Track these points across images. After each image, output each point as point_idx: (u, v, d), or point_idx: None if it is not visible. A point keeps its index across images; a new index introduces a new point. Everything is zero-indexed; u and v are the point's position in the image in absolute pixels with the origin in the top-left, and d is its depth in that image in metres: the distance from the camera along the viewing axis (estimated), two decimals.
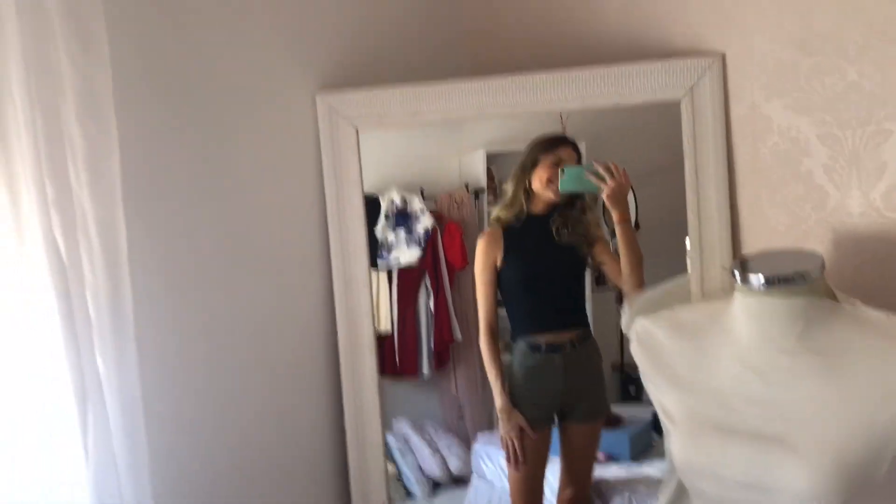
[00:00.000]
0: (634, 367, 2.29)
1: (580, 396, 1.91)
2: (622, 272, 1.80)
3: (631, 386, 2.31)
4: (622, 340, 2.25)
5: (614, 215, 1.72)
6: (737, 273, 1.23)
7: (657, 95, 1.58)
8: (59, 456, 1.27)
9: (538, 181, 1.83)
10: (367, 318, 1.71)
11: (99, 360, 1.25)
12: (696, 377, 1.28)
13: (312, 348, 1.74)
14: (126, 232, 1.29)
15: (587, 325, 1.96)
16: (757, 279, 1.19)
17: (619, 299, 2.19)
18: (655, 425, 2.20)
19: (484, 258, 1.89)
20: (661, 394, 1.34)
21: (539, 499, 1.94)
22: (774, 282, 1.18)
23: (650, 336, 1.38)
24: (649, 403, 2.30)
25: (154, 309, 1.45)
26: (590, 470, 1.97)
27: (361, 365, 1.71)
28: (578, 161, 1.83)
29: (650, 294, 1.59)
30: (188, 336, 1.53)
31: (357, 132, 1.69)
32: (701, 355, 1.29)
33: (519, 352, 1.91)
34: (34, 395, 1.23)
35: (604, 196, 1.72)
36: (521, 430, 1.84)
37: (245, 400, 1.62)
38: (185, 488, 1.51)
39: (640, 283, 1.75)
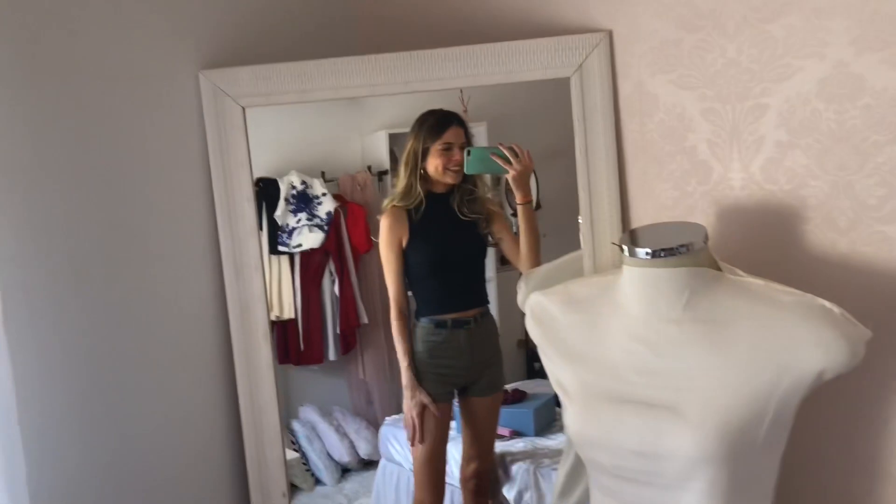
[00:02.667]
0: None
1: (482, 371, 1.95)
2: (521, 251, 1.83)
3: (535, 363, 2.36)
4: None
5: (517, 196, 1.75)
6: (624, 246, 1.25)
7: (547, 73, 1.59)
8: None
9: (434, 169, 1.84)
10: (261, 305, 1.66)
11: None
12: (589, 350, 1.30)
13: (203, 338, 1.69)
14: None
15: (487, 302, 1.99)
16: (643, 251, 1.22)
17: None
18: (558, 400, 2.26)
19: (389, 238, 1.89)
20: (555, 367, 1.36)
21: (441, 473, 1.97)
22: (659, 253, 1.21)
23: (544, 310, 1.39)
24: None
25: (27, 298, 1.38)
26: (492, 443, 2.01)
27: (256, 354, 1.67)
28: (466, 135, 1.85)
29: (544, 269, 1.62)
30: (65, 328, 1.47)
31: (244, 111, 1.64)
32: (593, 328, 1.31)
33: (423, 328, 1.93)
34: None
35: (509, 178, 1.74)
36: (424, 407, 1.86)
37: (131, 393, 1.57)
38: (65, 485, 1.45)
39: (537, 264, 1.79)
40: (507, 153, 1.70)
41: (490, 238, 1.93)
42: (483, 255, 1.97)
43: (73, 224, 1.48)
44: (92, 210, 1.51)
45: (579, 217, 1.65)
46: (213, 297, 1.70)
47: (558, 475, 1.69)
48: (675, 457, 1.15)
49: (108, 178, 1.54)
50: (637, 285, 1.25)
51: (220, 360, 1.71)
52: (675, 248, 1.21)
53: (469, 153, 1.75)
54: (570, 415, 1.29)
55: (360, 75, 1.62)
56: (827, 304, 1.15)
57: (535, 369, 2.39)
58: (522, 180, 1.73)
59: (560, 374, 1.34)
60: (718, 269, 1.25)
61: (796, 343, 1.13)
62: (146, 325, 1.59)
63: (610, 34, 1.57)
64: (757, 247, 1.42)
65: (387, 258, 1.89)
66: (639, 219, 1.59)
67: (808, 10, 1.32)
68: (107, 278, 1.53)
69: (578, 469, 1.60)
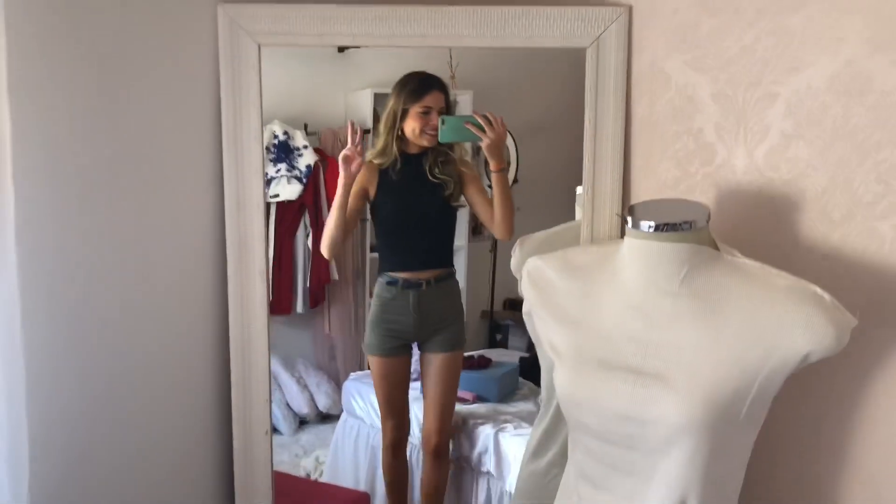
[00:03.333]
0: (502, 316, 2.39)
1: (435, 330, 2.01)
2: (494, 218, 1.88)
3: (498, 334, 2.41)
4: (493, 290, 2.33)
5: (491, 164, 1.80)
6: (629, 218, 1.28)
7: (565, 42, 1.60)
8: None
9: (410, 131, 1.88)
10: (260, 243, 1.66)
11: None
12: (584, 316, 1.33)
13: (200, 268, 1.68)
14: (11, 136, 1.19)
15: (450, 265, 2.03)
16: (647, 224, 1.25)
17: (494, 248, 2.27)
18: (522, 370, 2.31)
19: (357, 185, 1.92)
20: (549, 329, 1.38)
21: (401, 412, 2.07)
22: (663, 228, 1.24)
23: (541, 274, 1.41)
24: (516, 349, 2.42)
25: (36, 216, 1.38)
26: (450, 402, 2.07)
27: (251, 290, 1.65)
28: (447, 101, 1.87)
29: (540, 236, 1.64)
30: (70, 250, 1.46)
31: (259, 49, 1.61)
32: (589, 295, 1.34)
33: (379, 285, 2.01)
34: None
35: (483, 146, 1.77)
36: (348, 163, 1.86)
37: (126, 320, 1.56)
38: (61, 410, 1.45)
39: (510, 230, 1.87)
40: (481, 121, 1.73)
41: (460, 201, 1.98)
42: (447, 218, 2.01)
43: (81, 143, 1.46)
44: (100, 128, 1.48)
45: (578, 187, 1.68)
46: (214, 231, 1.68)
47: (532, 435, 1.73)
48: (661, 423, 1.19)
49: (117, 103, 1.51)
50: (637, 257, 1.27)
51: (214, 293, 1.70)
52: (678, 223, 1.24)
53: (444, 122, 1.77)
54: (561, 377, 1.32)
55: (380, 25, 1.60)
56: (819, 290, 1.19)
57: (496, 340, 2.44)
58: (496, 148, 1.77)
59: (554, 336, 1.36)
60: (717, 248, 1.29)
61: (786, 325, 1.17)
62: (145, 251, 1.58)
63: (630, 9, 1.58)
64: (752, 231, 1.46)
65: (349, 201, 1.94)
66: (639, 194, 1.61)
67: (827, 4, 1.35)
68: (111, 199, 1.51)
69: (554, 430, 1.64)
